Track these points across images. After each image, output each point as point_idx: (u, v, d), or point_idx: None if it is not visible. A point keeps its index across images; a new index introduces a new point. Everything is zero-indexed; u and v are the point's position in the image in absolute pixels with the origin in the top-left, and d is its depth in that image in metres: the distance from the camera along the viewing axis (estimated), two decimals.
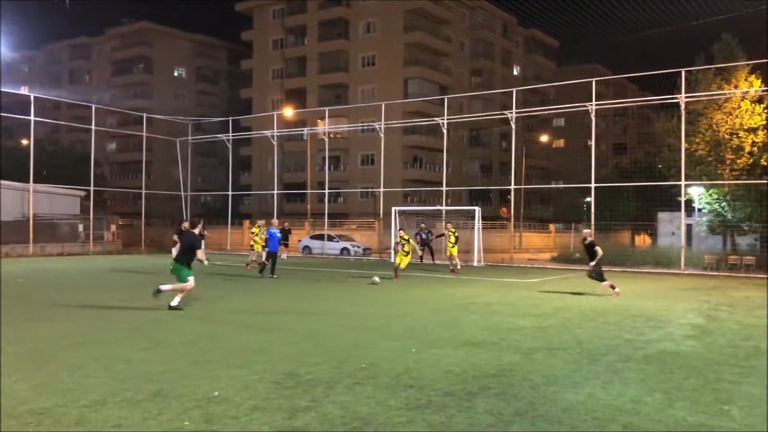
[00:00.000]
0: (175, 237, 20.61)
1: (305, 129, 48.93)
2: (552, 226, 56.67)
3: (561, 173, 64.88)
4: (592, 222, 28.73)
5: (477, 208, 30.74)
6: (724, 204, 28.96)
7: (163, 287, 12.14)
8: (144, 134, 41.76)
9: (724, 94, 27.82)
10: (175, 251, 20.36)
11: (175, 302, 12.04)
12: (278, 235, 20.27)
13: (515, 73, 73.49)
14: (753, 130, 27.55)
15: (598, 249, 15.78)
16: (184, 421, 5.43)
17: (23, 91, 55.84)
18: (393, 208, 31.51)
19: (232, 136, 42.22)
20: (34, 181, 33.68)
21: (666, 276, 23.65)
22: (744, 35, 30.43)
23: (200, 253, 12.34)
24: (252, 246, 24.04)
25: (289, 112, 48.58)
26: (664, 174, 30.52)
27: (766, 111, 27.55)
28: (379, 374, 7.15)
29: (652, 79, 30.08)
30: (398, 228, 25.21)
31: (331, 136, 50.61)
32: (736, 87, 27.96)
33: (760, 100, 27.88)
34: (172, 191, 46.31)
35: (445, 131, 34.98)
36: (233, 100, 72.60)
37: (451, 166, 51.77)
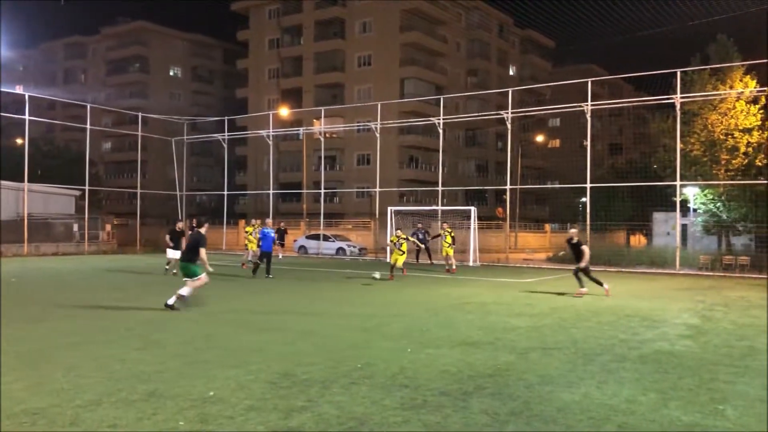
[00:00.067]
0: (168, 237, 20.63)
1: (301, 129, 48.97)
2: (547, 226, 56.80)
3: (556, 173, 64.98)
4: (588, 222, 28.80)
5: (473, 208, 30.74)
6: (719, 204, 29.05)
7: (183, 291, 12.05)
8: (139, 134, 41.64)
9: (720, 94, 27.90)
10: (170, 252, 20.47)
11: (171, 300, 12.00)
12: (272, 234, 20.26)
13: (511, 73, 73.56)
14: (748, 131, 27.64)
15: (585, 248, 15.64)
16: (179, 421, 5.42)
17: (18, 90, 55.66)
18: (389, 208, 31.52)
19: (228, 135, 42.16)
20: (29, 181, 33.58)
21: (661, 276, 23.70)
22: (739, 36, 30.56)
23: (203, 253, 12.14)
24: (246, 245, 24.11)
25: (284, 111, 48.54)
26: (659, 174, 30.58)
27: (761, 112, 27.65)
28: (374, 374, 7.15)
29: (648, 80, 30.16)
30: (396, 228, 25.23)
31: (327, 135, 50.60)
32: (731, 87, 28.05)
33: (755, 101, 27.97)
34: (167, 191, 46.25)
35: (441, 131, 34.99)
36: (229, 100, 72.48)
37: (447, 166, 51.92)
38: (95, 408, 5.76)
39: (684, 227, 30.92)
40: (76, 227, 36.39)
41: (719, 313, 12.96)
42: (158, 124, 49.13)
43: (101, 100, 67.64)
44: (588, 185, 29.13)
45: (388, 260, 23.42)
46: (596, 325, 10.99)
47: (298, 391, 6.40)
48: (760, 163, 27.68)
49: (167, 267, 20.59)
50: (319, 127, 47.54)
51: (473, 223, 29.64)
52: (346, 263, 29.39)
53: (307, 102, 60.98)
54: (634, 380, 7.08)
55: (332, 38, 62.55)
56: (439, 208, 33.69)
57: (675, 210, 27.76)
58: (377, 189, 36.76)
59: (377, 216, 36.32)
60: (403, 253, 20.39)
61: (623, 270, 25.47)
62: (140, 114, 42.52)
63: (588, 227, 28.87)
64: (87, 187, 36.38)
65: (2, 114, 35.26)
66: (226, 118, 42.43)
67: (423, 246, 27.80)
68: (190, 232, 16.58)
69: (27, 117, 33.71)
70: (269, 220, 22.81)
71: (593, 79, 31.13)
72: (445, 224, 25.39)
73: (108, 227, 39.39)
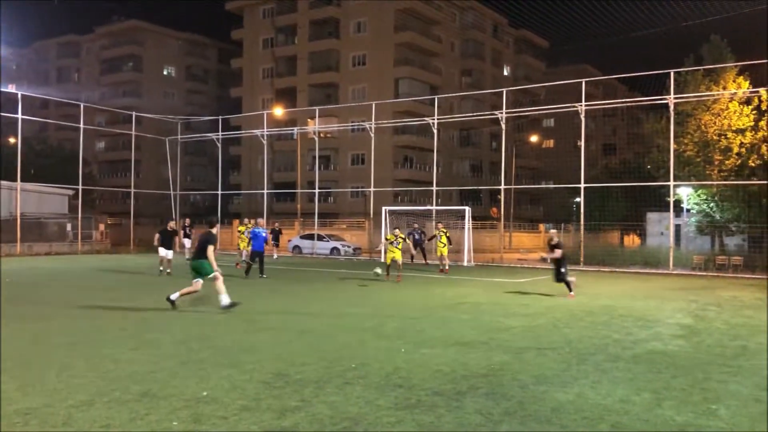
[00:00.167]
0: (157, 236, 20.79)
1: (295, 128, 48.85)
2: (542, 226, 56.84)
3: (551, 173, 65.13)
4: (582, 222, 28.86)
5: (467, 208, 30.77)
6: (712, 204, 29.18)
7: (223, 301, 11.96)
8: (133, 133, 41.50)
9: (713, 95, 28.01)
10: (162, 251, 20.52)
11: (175, 296, 11.99)
12: (263, 234, 20.21)
13: (505, 73, 73.67)
14: (741, 131, 27.76)
15: (559, 251, 15.28)
16: (172, 422, 5.40)
17: (11, 88, 55.39)
18: (383, 208, 31.50)
19: (222, 135, 42.07)
20: (22, 180, 33.41)
21: (654, 276, 23.77)
22: (733, 37, 30.69)
23: (210, 251, 12.06)
24: (239, 245, 24.12)
25: (279, 111, 48.45)
26: (653, 174, 30.70)
27: (754, 112, 27.77)
28: (368, 374, 7.14)
29: (642, 80, 30.30)
30: (393, 227, 25.14)
31: (322, 135, 50.57)
32: (724, 88, 28.17)
33: (748, 102, 28.10)
34: (161, 190, 46.11)
35: (435, 131, 35.01)
36: (223, 99, 72.38)
37: (442, 166, 51.91)
38: (88, 408, 5.73)
39: (677, 227, 31.05)
40: (69, 227, 36.25)
41: (712, 313, 13.01)
42: (152, 124, 48.99)
43: (95, 99, 67.44)
44: (582, 185, 29.19)
45: (382, 260, 23.36)
46: (590, 325, 11.01)
47: (291, 391, 6.39)
48: (753, 164, 27.82)
49: (161, 268, 20.58)
50: (314, 126, 47.52)
51: (467, 223, 29.66)
52: (340, 263, 29.37)
53: (301, 101, 60.93)
54: (627, 380, 7.10)
55: (327, 38, 62.52)
56: (434, 208, 33.69)
57: (668, 210, 27.86)
58: (372, 189, 36.74)
59: (372, 216, 36.31)
60: (399, 251, 20.31)
61: (617, 270, 25.54)
62: (134, 113, 42.40)
63: (582, 227, 28.95)
64: (80, 187, 36.21)
65: None
66: (221, 117, 42.34)
67: (419, 247, 27.83)
68: (191, 231, 16.61)
69: (20, 116, 33.52)
70: (261, 220, 22.80)
71: (587, 79, 31.20)
72: (439, 224, 25.39)
73: (101, 227, 39.28)
